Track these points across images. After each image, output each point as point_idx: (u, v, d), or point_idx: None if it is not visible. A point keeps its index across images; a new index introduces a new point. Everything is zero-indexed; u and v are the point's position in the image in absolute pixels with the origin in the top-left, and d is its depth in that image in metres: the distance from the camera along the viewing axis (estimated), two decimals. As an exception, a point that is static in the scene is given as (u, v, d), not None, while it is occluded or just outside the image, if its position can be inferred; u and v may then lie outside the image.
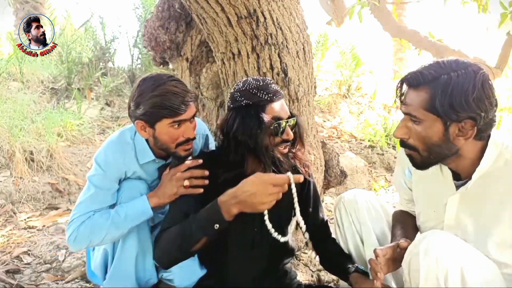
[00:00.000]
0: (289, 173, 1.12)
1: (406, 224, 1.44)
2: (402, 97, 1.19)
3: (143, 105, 1.38)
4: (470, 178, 1.19)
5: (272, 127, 1.30)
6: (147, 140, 1.50)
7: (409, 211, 1.53)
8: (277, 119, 1.31)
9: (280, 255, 1.51)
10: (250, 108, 1.31)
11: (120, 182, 1.51)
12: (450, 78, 1.09)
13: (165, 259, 1.31)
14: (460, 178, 1.24)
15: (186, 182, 1.38)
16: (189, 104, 1.39)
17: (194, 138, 1.46)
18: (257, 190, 1.09)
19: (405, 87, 1.19)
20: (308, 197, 1.52)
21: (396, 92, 1.22)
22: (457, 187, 1.24)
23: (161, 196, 1.43)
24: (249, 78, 1.38)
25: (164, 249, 1.29)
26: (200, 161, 1.42)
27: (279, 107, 1.33)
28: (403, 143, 1.23)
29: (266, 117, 1.29)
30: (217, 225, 1.15)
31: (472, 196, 1.20)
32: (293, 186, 1.17)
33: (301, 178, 1.13)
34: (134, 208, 1.44)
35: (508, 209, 1.14)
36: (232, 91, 1.38)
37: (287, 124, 1.33)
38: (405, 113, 1.18)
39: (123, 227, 1.42)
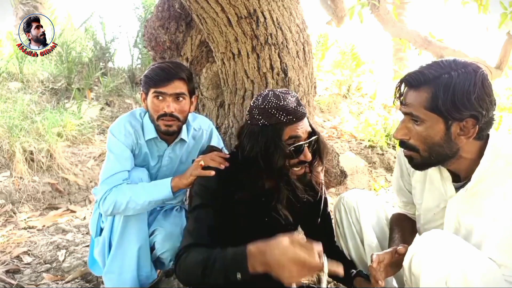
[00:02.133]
0: (324, 259, 1.04)
1: (404, 228, 1.43)
2: (402, 98, 1.18)
3: (144, 75, 1.62)
4: (469, 179, 1.19)
5: (288, 150, 1.26)
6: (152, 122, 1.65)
7: (408, 214, 1.52)
8: (295, 139, 1.26)
9: None
10: (267, 129, 1.26)
11: (132, 152, 1.63)
12: (451, 77, 1.09)
13: (185, 281, 1.28)
14: (460, 179, 1.24)
15: (202, 162, 1.42)
16: (172, 81, 1.56)
17: (176, 117, 1.58)
18: (287, 265, 1.00)
19: (404, 87, 1.18)
20: (318, 207, 1.49)
21: (396, 93, 1.21)
22: (457, 188, 1.24)
23: (181, 177, 1.51)
24: (270, 94, 1.30)
25: (186, 273, 1.21)
26: (226, 160, 1.40)
27: (298, 127, 1.27)
28: (403, 144, 1.22)
29: (283, 140, 1.25)
30: (239, 275, 1.07)
31: (472, 197, 1.20)
32: (325, 277, 1.09)
33: (339, 270, 1.06)
34: (156, 186, 1.55)
35: (509, 210, 1.14)
36: (252, 105, 1.32)
37: (305, 146, 1.28)
38: (406, 114, 1.18)
39: (144, 198, 1.52)
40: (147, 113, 1.67)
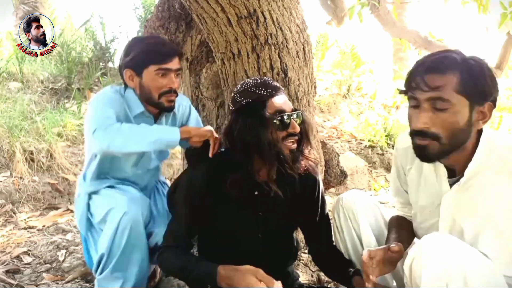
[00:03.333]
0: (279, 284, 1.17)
1: (401, 229, 1.43)
2: (423, 84, 1.12)
3: (133, 52, 1.52)
4: (463, 174, 1.18)
5: (275, 121, 1.28)
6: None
7: (405, 216, 1.51)
8: (280, 112, 1.29)
9: (284, 258, 1.51)
10: (250, 106, 1.29)
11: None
12: (471, 63, 1.12)
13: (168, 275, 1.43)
14: (455, 174, 1.23)
15: (215, 135, 1.48)
16: (175, 56, 1.54)
17: (177, 93, 1.58)
18: None
19: (425, 73, 1.13)
20: (315, 205, 1.50)
21: (412, 81, 1.15)
22: (451, 184, 1.23)
23: (191, 127, 1.57)
24: (246, 79, 1.38)
25: (167, 272, 1.48)
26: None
27: (281, 101, 1.31)
28: (422, 134, 1.15)
29: (268, 112, 1.28)
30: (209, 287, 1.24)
31: (465, 192, 1.20)
32: None
33: None
34: (164, 128, 1.56)
35: (503, 205, 1.14)
36: (232, 94, 1.37)
37: (291, 117, 1.30)
38: (433, 99, 1.11)
39: (151, 134, 1.48)
40: (127, 90, 1.60)
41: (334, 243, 1.55)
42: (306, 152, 1.40)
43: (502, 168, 1.15)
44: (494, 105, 1.14)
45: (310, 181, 1.46)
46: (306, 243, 1.61)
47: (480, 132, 1.18)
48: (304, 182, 1.44)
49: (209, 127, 1.57)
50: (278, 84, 1.35)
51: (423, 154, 1.19)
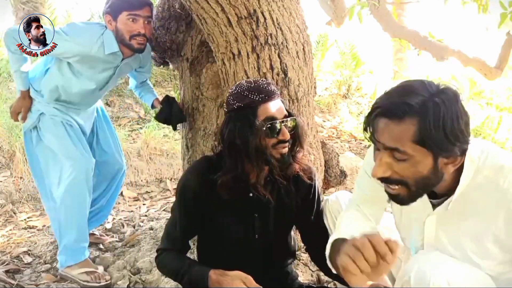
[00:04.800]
0: None
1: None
2: (378, 133, 1.03)
3: (111, 0, 1.88)
4: (446, 196, 1.12)
5: (265, 128, 1.27)
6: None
7: (363, 212, 1.35)
8: (271, 119, 1.28)
9: (282, 258, 1.51)
10: (242, 111, 1.29)
11: (84, 58, 1.91)
12: (437, 106, 0.96)
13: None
14: (436, 196, 1.16)
15: None
16: (144, 6, 1.86)
17: (146, 37, 1.90)
18: None
19: (380, 119, 1.02)
20: (311, 204, 1.50)
21: (368, 126, 1.06)
22: (434, 205, 1.17)
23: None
24: (242, 81, 1.37)
25: (163, 274, 1.59)
26: None
27: (273, 107, 1.29)
28: (387, 181, 1.06)
29: (258, 119, 1.26)
30: None
31: (450, 214, 1.13)
32: None
33: None
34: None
35: (489, 225, 1.08)
36: (227, 95, 1.37)
37: (282, 124, 1.29)
38: (390, 149, 1.02)
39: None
40: (105, 31, 1.90)
41: None
42: (299, 156, 1.39)
43: (488, 189, 1.07)
44: (464, 152, 1.02)
45: (305, 183, 1.45)
46: (302, 241, 1.61)
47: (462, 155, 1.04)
48: (299, 184, 1.44)
49: None
50: (273, 88, 1.32)
51: (396, 200, 1.10)
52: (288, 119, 1.31)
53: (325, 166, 2.09)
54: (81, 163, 1.94)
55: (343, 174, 2.15)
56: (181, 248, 1.42)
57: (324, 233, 1.52)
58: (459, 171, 1.07)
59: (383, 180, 1.07)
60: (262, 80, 1.35)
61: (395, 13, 4.61)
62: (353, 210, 1.37)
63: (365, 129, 1.08)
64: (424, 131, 0.96)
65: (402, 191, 1.06)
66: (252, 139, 1.26)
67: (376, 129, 1.03)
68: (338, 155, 2.17)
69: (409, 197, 1.07)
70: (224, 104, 1.38)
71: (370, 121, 1.05)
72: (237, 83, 1.37)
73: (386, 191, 1.10)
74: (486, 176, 1.07)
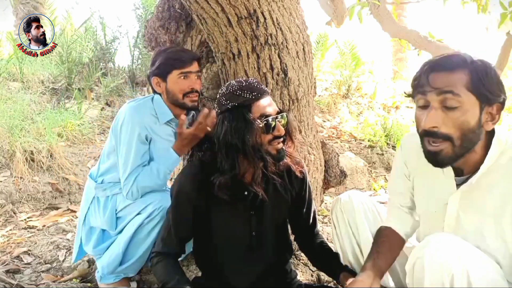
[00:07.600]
0: None
1: (384, 244, 1.34)
2: (431, 82, 1.09)
3: (158, 61, 1.74)
4: (471, 175, 1.17)
5: (261, 125, 1.28)
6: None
7: (396, 227, 1.39)
8: (265, 116, 1.29)
9: (279, 256, 1.52)
10: (236, 110, 1.30)
11: (148, 140, 1.75)
12: (482, 62, 1.10)
13: None
14: (462, 173, 1.21)
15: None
16: (194, 60, 1.74)
17: (198, 93, 1.77)
18: None
19: (431, 72, 1.10)
20: (304, 197, 1.52)
21: (418, 79, 1.13)
22: (458, 184, 1.22)
23: (181, 139, 1.73)
24: (231, 81, 1.38)
25: (155, 276, 1.49)
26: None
27: (266, 104, 1.31)
28: (433, 135, 1.10)
29: (254, 116, 1.28)
30: None
31: (473, 193, 1.18)
32: None
33: None
34: (165, 159, 1.73)
35: (509, 207, 1.13)
36: (218, 96, 1.37)
37: (276, 120, 1.31)
38: (445, 92, 1.07)
39: (160, 175, 1.71)
40: (154, 98, 1.78)
41: (319, 235, 1.59)
42: (290, 150, 1.41)
43: (509, 170, 1.13)
44: (503, 106, 1.11)
45: (298, 178, 1.48)
46: (292, 231, 1.63)
47: (489, 133, 1.15)
48: (292, 178, 1.47)
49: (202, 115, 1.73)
50: (263, 86, 1.35)
51: (436, 160, 1.13)
52: (281, 114, 1.34)
53: (325, 166, 2.09)
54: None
55: (343, 174, 2.16)
56: (176, 251, 1.44)
57: (312, 222, 1.57)
58: (486, 149, 1.14)
59: (430, 134, 1.11)
60: (251, 79, 1.37)
61: (395, 13, 4.62)
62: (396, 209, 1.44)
63: (413, 86, 1.15)
64: (474, 80, 1.07)
65: (446, 147, 1.11)
66: (249, 137, 1.27)
67: (428, 81, 1.10)
68: (338, 155, 2.17)
69: (451, 155, 1.11)
70: (216, 105, 1.38)
71: (421, 76, 1.12)
72: (226, 84, 1.38)
73: (427, 150, 1.14)
74: (510, 157, 1.13)
